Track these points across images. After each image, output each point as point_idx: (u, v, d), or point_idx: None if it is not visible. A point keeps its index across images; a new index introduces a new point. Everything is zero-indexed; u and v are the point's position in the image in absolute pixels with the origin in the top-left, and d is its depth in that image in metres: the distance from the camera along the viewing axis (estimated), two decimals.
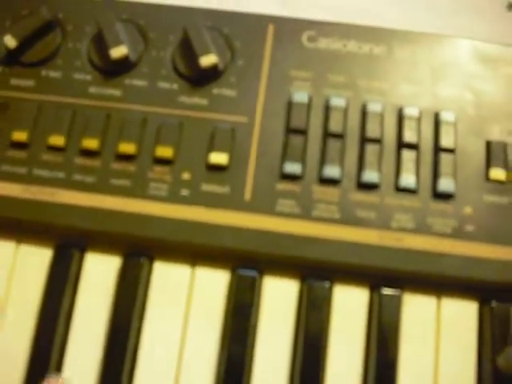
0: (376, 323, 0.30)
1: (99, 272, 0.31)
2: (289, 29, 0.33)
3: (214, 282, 0.31)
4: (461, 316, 0.31)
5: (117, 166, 0.31)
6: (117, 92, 0.32)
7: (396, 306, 0.30)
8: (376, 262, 0.30)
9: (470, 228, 0.30)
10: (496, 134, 0.32)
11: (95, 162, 0.31)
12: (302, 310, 0.30)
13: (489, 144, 0.32)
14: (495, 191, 0.31)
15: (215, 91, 0.32)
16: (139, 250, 0.31)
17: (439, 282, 0.31)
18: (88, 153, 0.31)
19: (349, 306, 0.31)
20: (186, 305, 0.31)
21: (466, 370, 0.30)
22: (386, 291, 0.31)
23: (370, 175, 0.30)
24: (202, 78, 0.32)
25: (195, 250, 0.31)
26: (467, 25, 0.37)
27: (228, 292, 0.31)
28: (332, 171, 0.30)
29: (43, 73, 0.32)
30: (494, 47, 0.34)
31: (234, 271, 0.31)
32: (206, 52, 0.31)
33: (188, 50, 0.32)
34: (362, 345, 0.30)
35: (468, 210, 0.30)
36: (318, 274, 0.31)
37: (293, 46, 0.32)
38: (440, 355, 0.30)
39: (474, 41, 0.33)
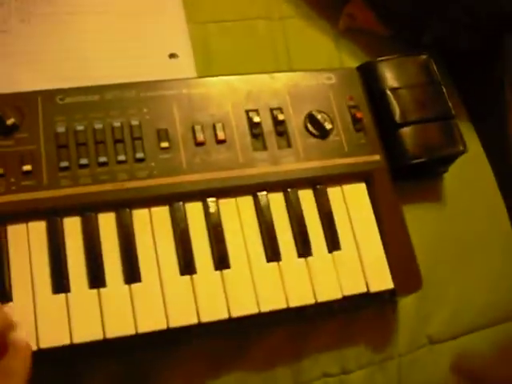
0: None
1: None
2: (47, 95, 0.68)
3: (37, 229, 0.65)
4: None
5: None
6: None
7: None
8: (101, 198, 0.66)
9: (155, 172, 0.67)
10: (162, 125, 0.69)
11: None
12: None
13: (158, 131, 0.68)
14: (165, 152, 0.68)
15: (17, 136, 0.66)
16: None
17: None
18: None
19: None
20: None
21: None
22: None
23: (102, 159, 0.66)
24: (10, 131, 0.66)
25: (24, 212, 0.65)
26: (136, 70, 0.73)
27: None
28: (84, 161, 0.66)
29: None
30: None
31: (48, 219, 0.65)
32: (8, 117, 0.65)
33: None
34: None
35: (153, 164, 0.67)
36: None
37: (51, 104, 0.68)
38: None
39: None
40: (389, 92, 0.75)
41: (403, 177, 0.75)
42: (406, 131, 0.74)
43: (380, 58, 0.77)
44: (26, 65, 0.71)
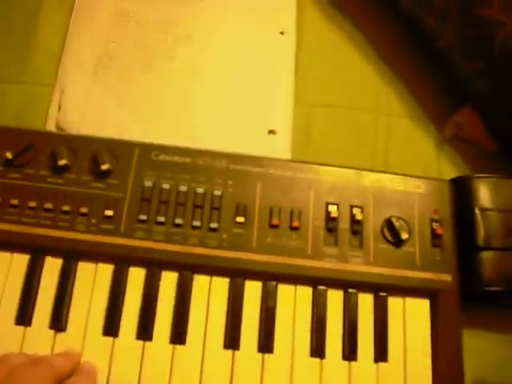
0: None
1: None
2: (144, 149, 0.73)
3: (105, 272, 0.70)
4: (216, 287, 0.71)
5: (61, 216, 0.70)
6: (60, 180, 0.71)
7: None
8: (167, 259, 0.69)
9: (226, 244, 0.70)
10: (243, 199, 0.72)
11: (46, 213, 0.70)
12: (145, 283, 0.70)
13: (237, 204, 0.72)
14: (238, 227, 0.71)
15: (108, 181, 0.71)
16: (71, 256, 0.70)
17: (206, 269, 0.70)
18: None
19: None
20: (93, 284, 0.70)
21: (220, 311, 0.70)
22: (166, 273, 0.70)
23: (178, 220, 0.70)
24: (103, 175, 0.72)
25: (98, 255, 0.70)
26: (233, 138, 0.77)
27: (112, 276, 0.70)
28: (161, 218, 0.70)
29: None
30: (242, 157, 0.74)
31: (117, 265, 0.70)
32: (104, 163, 0.71)
33: (95, 162, 0.72)
34: None
35: (225, 235, 0.70)
36: (152, 265, 0.70)
37: (146, 158, 0.73)
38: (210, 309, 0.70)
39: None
40: (478, 211, 0.74)
41: (473, 299, 0.74)
42: (486, 256, 0.73)
43: (477, 175, 0.76)
44: (138, 114, 0.76)
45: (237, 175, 0.71)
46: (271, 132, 0.77)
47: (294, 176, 0.72)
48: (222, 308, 0.67)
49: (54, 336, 0.65)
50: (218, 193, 0.69)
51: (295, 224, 0.69)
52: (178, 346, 0.65)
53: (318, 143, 0.80)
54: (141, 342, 0.65)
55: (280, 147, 0.77)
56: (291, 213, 0.70)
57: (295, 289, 0.69)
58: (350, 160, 0.77)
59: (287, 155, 0.77)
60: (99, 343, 0.65)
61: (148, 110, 0.77)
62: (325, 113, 0.82)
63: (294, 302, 0.69)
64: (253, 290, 0.69)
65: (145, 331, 0.65)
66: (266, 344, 0.66)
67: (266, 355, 0.66)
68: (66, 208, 0.66)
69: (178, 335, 0.66)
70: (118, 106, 0.77)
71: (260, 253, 0.68)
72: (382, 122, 0.83)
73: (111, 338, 0.65)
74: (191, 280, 0.68)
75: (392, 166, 0.80)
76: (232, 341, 0.66)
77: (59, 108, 0.74)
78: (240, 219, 0.69)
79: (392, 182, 0.74)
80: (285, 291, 0.69)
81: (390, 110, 0.84)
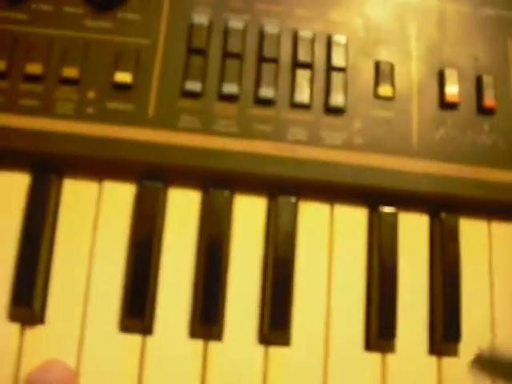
0: (273, 230, 0.34)
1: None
2: None
3: (122, 195, 0.34)
4: (352, 221, 0.35)
5: (24, 86, 0.33)
6: (23, 16, 0.34)
7: (293, 212, 0.34)
8: (272, 171, 0.33)
9: (358, 140, 0.34)
10: (383, 54, 0.36)
11: (3, 84, 0.33)
12: (204, 218, 0.34)
13: (377, 64, 0.35)
14: (382, 106, 0.35)
15: (119, 15, 0.35)
16: (46, 165, 0.33)
17: (332, 189, 0.34)
18: None
19: (248, 215, 0.34)
20: (94, 219, 0.34)
21: (356, 271, 0.35)
22: (284, 199, 0.34)
23: (267, 92, 0.34)
24: (106, 3, 0.35)
25: (102, 164, 0.34)
26: None
27: (135, 202, 0.34)
28: (230, 88, 0.34)
29: None
30: None
31: (140, 182, 0.34)
32: None
33: None
34: (261, 251, 0.34)
35: (357, 123, 0.34)
36: (219, 184, 0.34)
37: None
38: (333, 259, 0.34)
39: None
40: None
41: None
42: None
43: None
44: None
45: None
46: None
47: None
48: (358, 266, 0.33)
49: (21, 334, 0.32)
50: (340, 38, 0.34)
51: (489, 102, 0.36)
52: (274, 348, 0.30)
53: None
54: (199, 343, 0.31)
55: None
56: (478, 79, 0.36)
57: (488, 226, 0.34)
58: None
59: None
60: (114, 343, 0.30)
61: None
62: None
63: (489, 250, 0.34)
64: (417, 229, 0.36)
65: (210, 318, 0.31)
66: (447, 333, 0.32)
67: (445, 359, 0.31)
68: (34, 69, 0.32)
69: (276, 323, 0.32)
70: None
71: (425, 158, 0.34)
72: None
73: (138, 337, 0.31)
74: (295, 212, 0.33)
75: None
76: (384, 332, 0.31)
77: None
78: (385, 90, 0.33)
79: None
80: (471, 228, 0.35)
81: None
